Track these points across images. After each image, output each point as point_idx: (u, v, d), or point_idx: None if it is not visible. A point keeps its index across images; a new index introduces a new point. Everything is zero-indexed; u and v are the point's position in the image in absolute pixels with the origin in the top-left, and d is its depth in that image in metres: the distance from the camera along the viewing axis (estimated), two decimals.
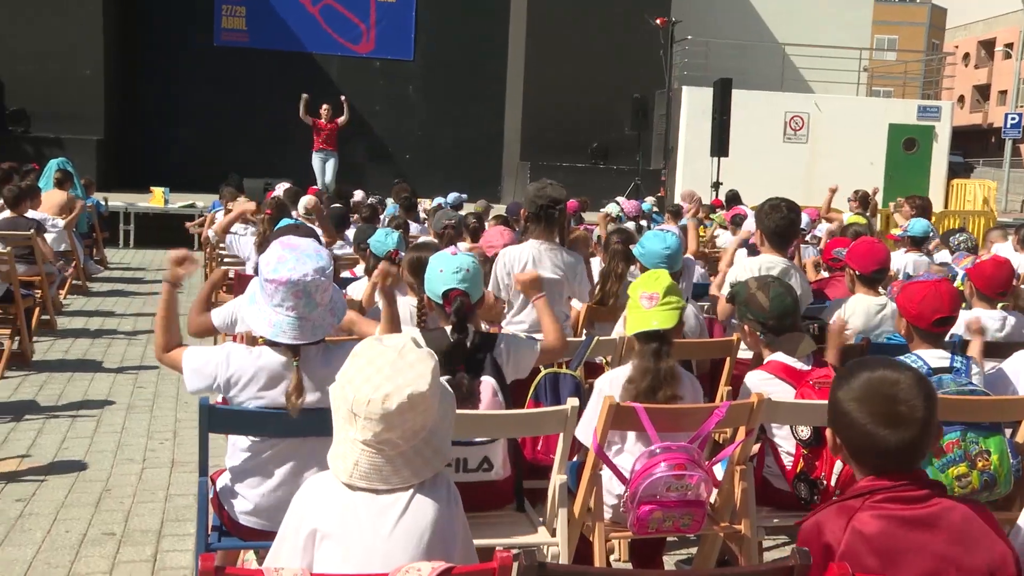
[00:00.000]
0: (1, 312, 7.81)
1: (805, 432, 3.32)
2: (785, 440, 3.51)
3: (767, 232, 4.97)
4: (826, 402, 2.14)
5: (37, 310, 8.17)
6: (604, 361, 4.90)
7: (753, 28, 22.20)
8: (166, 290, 3.31)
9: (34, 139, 17.68)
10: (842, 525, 1.99)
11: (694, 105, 19.47)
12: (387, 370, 2.00)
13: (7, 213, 9.67)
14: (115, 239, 15.13)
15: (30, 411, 6.13)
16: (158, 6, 19.98)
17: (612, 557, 3.99)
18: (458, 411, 3.12)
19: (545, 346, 3.59)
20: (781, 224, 4.93)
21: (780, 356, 3.58)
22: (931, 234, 7.98)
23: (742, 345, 4.30)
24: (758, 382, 3.50)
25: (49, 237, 9.81)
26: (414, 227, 9.63)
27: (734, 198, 13.70)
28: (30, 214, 9.27)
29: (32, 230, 8.66)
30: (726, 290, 4.69)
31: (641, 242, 4.93)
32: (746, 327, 3.71)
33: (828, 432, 2.15)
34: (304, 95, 16.15)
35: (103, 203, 14.41)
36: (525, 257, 4.89)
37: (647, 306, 3.35)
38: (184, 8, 20.17)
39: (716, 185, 17.24)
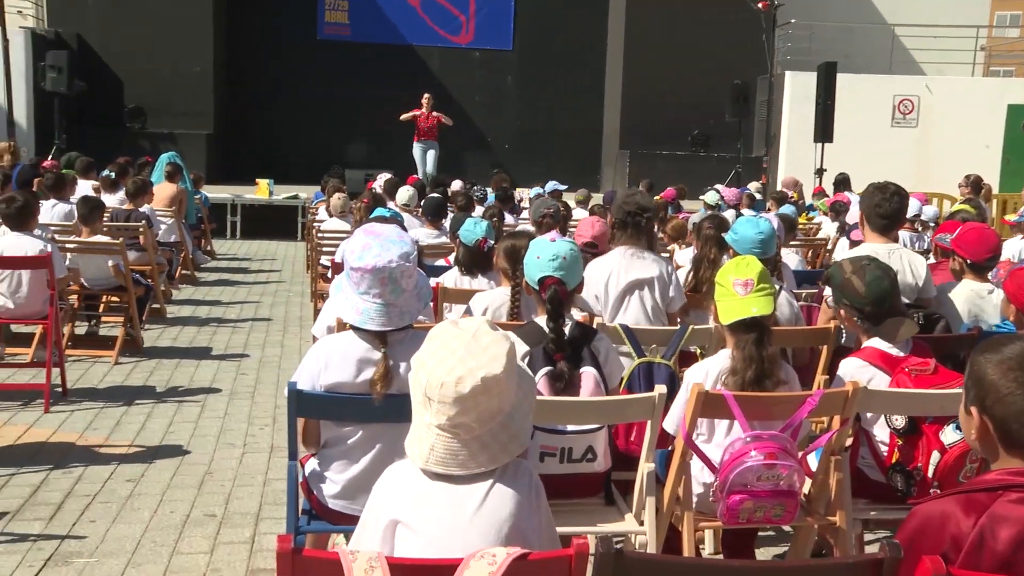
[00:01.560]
0: (115, 300, 8.14)
1: (900, 421, 3.20)
2: (880, 429, 3.39)
3: (871, 215, 4.73)
4: (923, 391, 2.05)
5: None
6: (699, 351, 4.82)
7: (860, 9, 21.49)
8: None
9: (150, 134, 18.34)
10: (971, 523, 1.85)
11: (797, 90, 19.01)
12: (461, 352, 1.98)
13: (123, 203, 10.07)
14: (222, 230, 15.57)
15: (140, 396, 6.36)
16: (263, 3, 20.45)
17: (702, 547, 3.92)
18: (550, 398, 3.15)
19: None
20: (886, 208, 4.65)
21: (876, 342, 3.46)
22: None
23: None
24: (853, 369, 3.39)
25: (159, 229, 10.18)
26: (509, 217, 9.66)
27: (843, 182, 13.33)
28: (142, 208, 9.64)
29: (143, 222, 8.99)
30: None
31: (734, 228, 4.83)
32: (842, 312, 3.59)
33: (971, 412, 1.95)
34: (416, 110, 16.40)
35: (206, 197, 14.84)
36: (612, 266, 4.84)
37: (742, 293, 3.25)
38: (289, 4, 20.60)
39: (820, 172, 16.82)
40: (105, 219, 8.28)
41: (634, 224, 4.87)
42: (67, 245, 7.33)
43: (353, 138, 19.76)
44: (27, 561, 3.90)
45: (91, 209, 7.72)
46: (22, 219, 6.41)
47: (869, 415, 3.42)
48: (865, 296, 3.49)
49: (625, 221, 4.88)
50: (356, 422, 3.02)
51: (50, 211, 9.05)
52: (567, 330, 3.39)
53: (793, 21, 19.45)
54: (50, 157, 13.24)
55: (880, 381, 3.32)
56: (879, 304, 3.47)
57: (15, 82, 16.29)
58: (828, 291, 4.01)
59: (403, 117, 16.54)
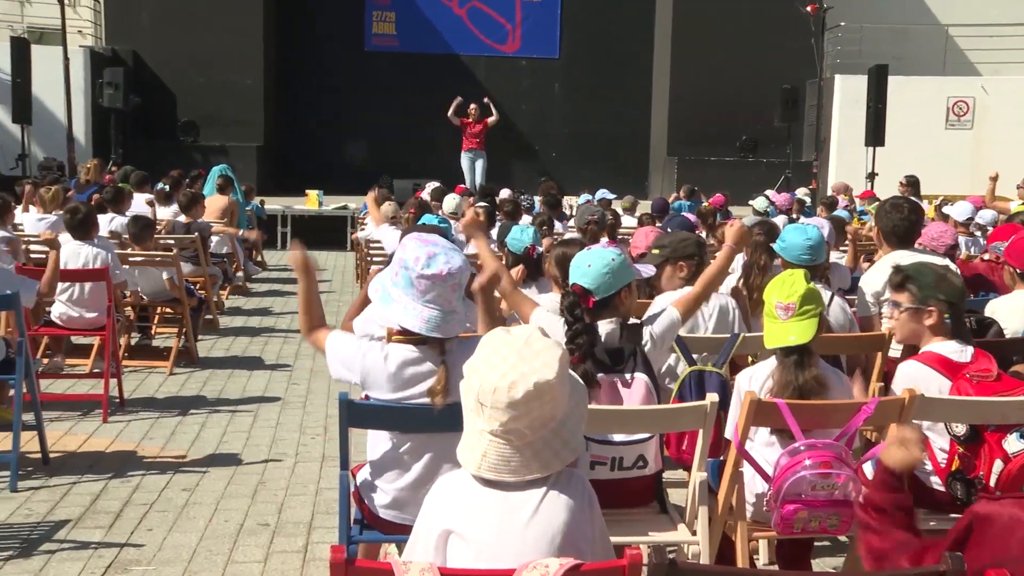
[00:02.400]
0: (169, 312, 8.27)
1: (961, 428, 3.13)
2: (940, 436, 3.32)
3: (888, 234, 4.83)
4: (985, 399, 2.00)
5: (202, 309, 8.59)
6: (750, 358, 4.77)
7: (913, 10, 21.16)
8: (299, 278, 3.37)
9: (202, 147, 18.63)
10: None
11: (847, 94, 18.78)
12: (513, 358, 1.98)
13: (177, 215, 10.24)
14: (273, 241, 15.74)
15: (195, 406, 6.45)
16: (312, 15, 20.68)
17: (756, 558, 3.88)
18: (600, 407, 3.14)
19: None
20: (900, 225, 4.80)
21: (936, 346, 3.39)
22: None
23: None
24: (912, 372, 3.33)
25: (212, 241, 10.33)
26: (557, 224, 9.65)
27: (914, 184, 13.09)
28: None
29: (197, 234, 9.13)
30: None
31: (782, 236, 4.78)
32: (932, 309, 3.45)
33: None
34: (458, 98, 16.51)
35: (261, 206, 15.02)
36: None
37: (783, 317, 3.22)
38: (336, 16, 20.81)
39: (871, 176, 16.60)
40: (160, 232, 8.43)
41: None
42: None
43: (401, 148, 19.88)
44: (89, 568, 3.97)
45: (141, 228, 7.91)
46: (85, 229, 6.72)
47: (926, 423, 3.36)
48: (959, 291, 3.46)
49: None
50: (407, 432, 3.03)
51: (108, 224, 9.22)
52: (615, 335, 3.38)
53: (843, 24, 19.22)
54: (107, 171, 13.51)
55: (939, 386, 3.26)
56: (963, 302, 3.47)
57: (75, 99, 16.66)
58: (885, 298, 3.96)
59: (449, 115, 16.66)
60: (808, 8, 17.81)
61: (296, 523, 4.51)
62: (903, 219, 4.81)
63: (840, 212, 10.35)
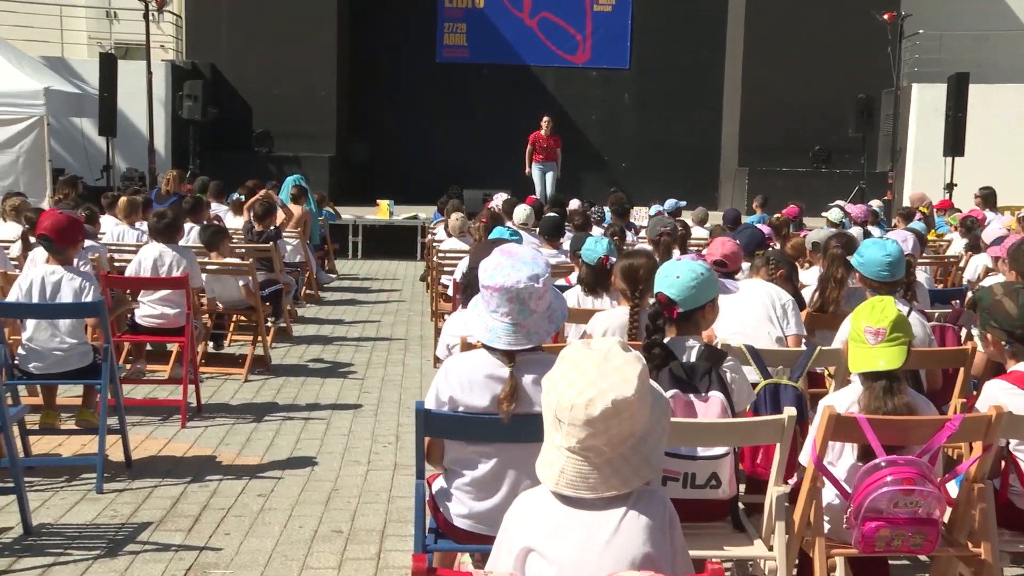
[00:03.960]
0: (244, 319, 8.43)
1: None
2: None
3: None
4: None
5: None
6: (826, 372, 4.70)
7: (995, 15, 20.64)
8: None
9: (276, 158, 18.98)
10: None
11: (925, 103, 18.40)
12: (592, 374, 1.96)
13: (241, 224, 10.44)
14: (344, 250, 15.95)
15: (269, 412, 6.56)
16: (384, 28, 20.93)
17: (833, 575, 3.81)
18: (675, 419, 3.11)
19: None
20: None
21: (1022, 366, 3.31)
22: None
23: None
24: (997, 392, 3.25)
25: (286, 248, 10.50)
26: (628, 235, 9.62)
27: (989, 196, 12.77)
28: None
29: (271, 243, 9.29)
30: None
31: (859, 251, 4.69)
32: (989, 336, 3.43)
33: None
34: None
35: (334, 212, 15.21)
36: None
37: (872, 342, 3.16)
38: (409, 28, 21.04)
39: (949, 186, 16.22)
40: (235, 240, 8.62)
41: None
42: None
43: (471, 159, 20.01)
44: (170, 570, 4.07)
45: (211, 235, 8.08)
46: (169, 233, 6.96)
47: (1014, 441, 3.27)
48: (1017, 319, 3.35)
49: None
50: (483, 442, 3.04)
51: (187, 234, 9.45)
52: (695, 353, 3.36)
53: (921, 32, 18.84)
54: (186, 181, 13.82)
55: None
56: None
57: (156, 111, 17.13)
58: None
59: (528, 171, 16.85)
60: (885, 16, 17.50)
61: (369, 531, 4.56)
62: None
63: (916, 224, 10.14)
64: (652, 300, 3.53)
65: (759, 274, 5.08)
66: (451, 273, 7.92)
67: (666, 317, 3.37)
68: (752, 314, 4.73)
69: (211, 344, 8.26)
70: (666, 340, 3.41)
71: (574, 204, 12.36)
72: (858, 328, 3.21)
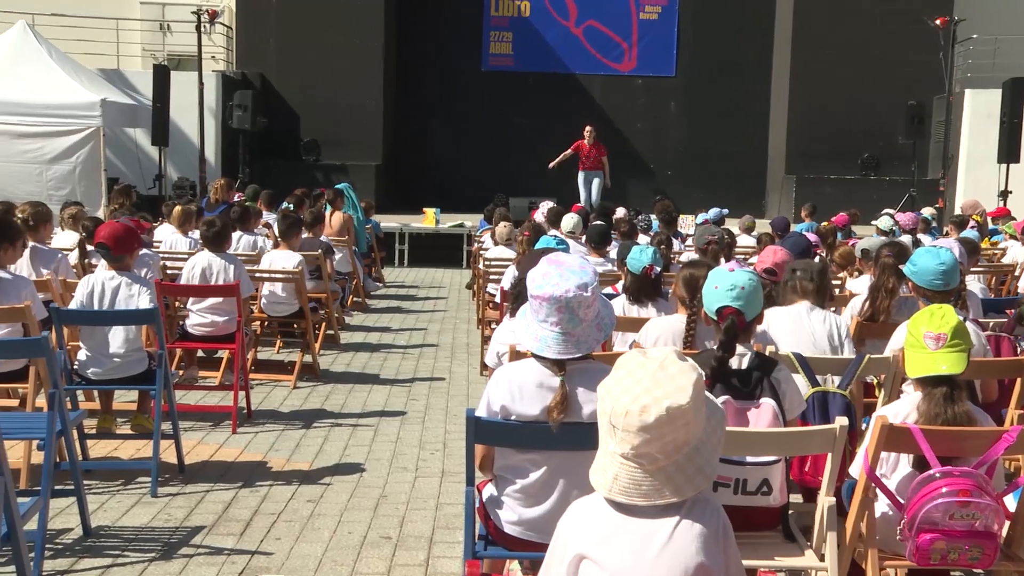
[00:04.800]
0: (293, 327, 8.53)
1: None
2: None
3: None
4: None
5: (323, 325, 8.83)
6: (875, 381, 4.65)
7: None
8: None
9: (323, 166, 19.21)
10: None
11: (978, 109, 18.11)
12: (647, 382, 1.97)
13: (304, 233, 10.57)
14: (391, 258, 16.06)
15: (318, 419, 6.63)
16: (430, 37, 21.10)
17: None
18: (729, 427, 3.10)
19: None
20: None
21: None
22: None
23: None
24: None
25: (336, 257, 10.60)
26: (675, 244, 9.59)
27: None
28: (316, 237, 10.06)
29: (320, 251, 9.38)
30: None
31: (912, 260, 4.63)
32: None
33: None
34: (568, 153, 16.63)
35: (378, 224, 15.34)
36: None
37: (932, 347, 3.12)
38: (455, 37, 21.18)
39: (1004, 193, 15.95)
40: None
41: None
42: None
43: (517, 167, 20.07)
44: (223, 574, 4.12)
45: (289, 225, 8.39)
46: (219, 241, 7.11)
47: None
48: None
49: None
50: (533, 450, 3.05)
51: (236, 242, 9.58)
52: (746, 361, 3.35)
53: (975, 36, 18.54)
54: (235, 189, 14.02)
55: None
56: None
57: (207, 121, 17.42)
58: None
59: (552, 165, 16.80)
60: (938, 21, 17.26)
61: (417, 537, 4.59)
62: None
63: (969, 232, 9.99)
64: (709, 314, 3.51)
65: (808, 298, 4.85)
66: (498, 281, 7.95)
67: (742, 330, 3.36)
68: (812, 344, 4.59)
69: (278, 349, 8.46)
70: (712, 348, 3.41)
71: (620, 212, 12.35)
72: (917, 334, 3.17)
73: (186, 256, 8.17)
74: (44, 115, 14.60)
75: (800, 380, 3.79)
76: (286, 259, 8.05)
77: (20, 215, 6.84)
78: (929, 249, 4.64)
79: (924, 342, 3.13)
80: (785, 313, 4.61)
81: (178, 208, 9.72)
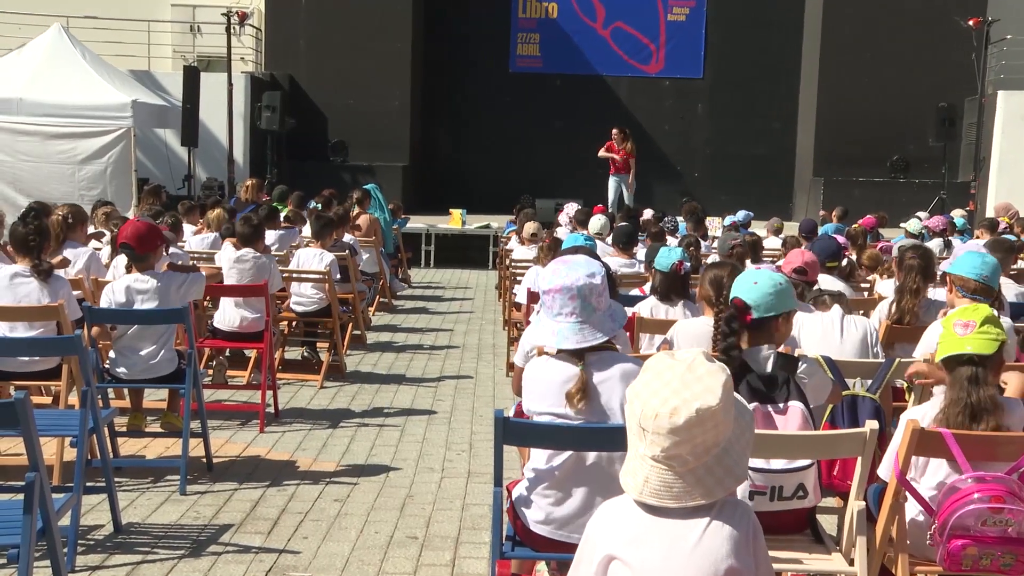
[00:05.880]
0: (320, 327, 8.57)
1: None
2: None
3: None
4: None
5: (350, 325, 8.87)
6: (905, 385, 4.61)
7: None
8: None
9: (350, 167, 19.28)
10: None
11: (1011, 111, 17.91)
12: (675, 384, 1.97)
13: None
14: (417, 259, 16.11)
15: (345, 418, 6.66)
16: (458, 38, 21.14)
17: None
18: (757, 431, 3.09)
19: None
20: None
21: None
22: None
23: None
24: None
25: (363, 258, 10.64)
26: (704, 246, 9.56)
27: None
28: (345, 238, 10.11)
29: (347, 252, 9.42)
30: None
31: (956, 261, 4.61)
32: None
33: None
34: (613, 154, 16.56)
35: (405, 221, 15.36)
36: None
37: (961, 333, 3.11)
38: (482, 39, 21.21)
39: None
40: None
41: None
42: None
43: (543, 168, 20.08)
44: (251, 571, 4.16)
45: (322, 226, 8.46)
46: (253, 238, 7.21)
47: None
48: None
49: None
50: (562, 448, 3.07)
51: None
52: (769, 363, 3.34)
53: (1009, 37, 18.33)
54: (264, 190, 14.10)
55: None
56: None
57: (236, 122, 17.55)
58: None
59: (601, 154, 16.73)
60: (970, 22, 17.09)
61: (443, 537, 4.60)
62: None
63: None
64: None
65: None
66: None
67: (740, 322, 3.36)
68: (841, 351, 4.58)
69: (305, 350, 8.49)
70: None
71: (647, 214, 12.32)
72: (948, 326, 3.18)
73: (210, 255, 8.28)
74: (77, 116, 14.76)
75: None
76: (316, 258, 8.10)
77: (59, 213, 6.94)
78: (972, 252, 4.62)
79: (954, 331, 3.12)
80: (817, 319, 4.60)
81: (218, 211, 9.77)
